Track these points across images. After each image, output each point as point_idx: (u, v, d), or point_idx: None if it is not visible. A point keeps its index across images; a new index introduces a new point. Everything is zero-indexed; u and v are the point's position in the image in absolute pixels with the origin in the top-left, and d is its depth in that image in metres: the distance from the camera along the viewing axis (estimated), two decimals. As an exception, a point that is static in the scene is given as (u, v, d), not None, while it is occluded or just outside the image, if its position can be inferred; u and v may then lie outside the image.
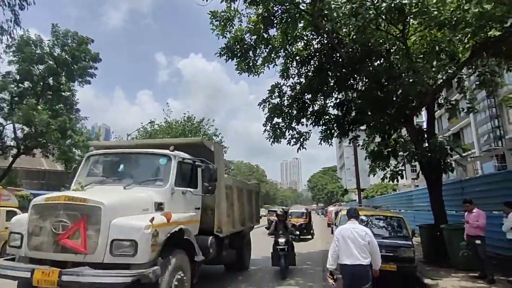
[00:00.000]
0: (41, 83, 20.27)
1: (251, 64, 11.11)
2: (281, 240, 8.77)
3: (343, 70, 10.26)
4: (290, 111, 11.46)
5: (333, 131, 11.80)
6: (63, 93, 20.50)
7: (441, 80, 9.51)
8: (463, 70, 10.12)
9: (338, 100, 11.88)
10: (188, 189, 6.03)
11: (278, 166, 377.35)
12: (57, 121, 19.37)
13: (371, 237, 4.81)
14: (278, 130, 11.25)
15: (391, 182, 10.96)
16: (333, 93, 11.69)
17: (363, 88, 11.04)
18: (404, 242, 7.78)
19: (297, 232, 14.61)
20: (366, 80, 10.50)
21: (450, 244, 8.71)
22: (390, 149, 10.52)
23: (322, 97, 11.79)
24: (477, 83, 10.40)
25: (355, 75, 10.40)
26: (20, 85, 20.56)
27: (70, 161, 30.57)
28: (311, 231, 19.10)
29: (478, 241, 7.34)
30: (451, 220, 10.02)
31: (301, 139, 11.39)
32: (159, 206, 5.20)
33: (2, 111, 20.42)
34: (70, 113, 21.38)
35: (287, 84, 11.80)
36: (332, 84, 11.32)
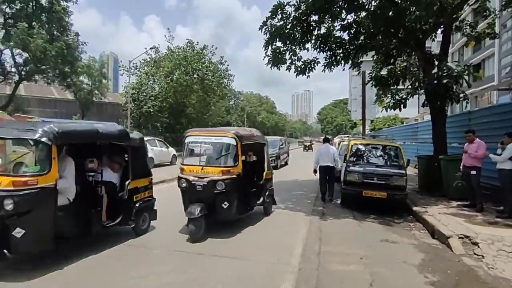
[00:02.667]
0: (32, 3, 19.05)
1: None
2: None
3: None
4: (293, 34, 10.56)
5: (338, 57, 10.98)
6: (54, 14, 19.32)
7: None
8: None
9: (346, 22, 10.83)
10: None
11: (289, 97, 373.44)
12: (54, 47, 18.66)
13: (335, 152, 9.01)
14: (279, 54, 10.52)
15: (399, 115, 10.61)
16: (341, 14, 10.60)
17: (375, 8, 9.95)
18: (397, 171, 7.72)
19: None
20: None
21: (446, 174, 8.62)
22: (396, 77, 9.84)
23: (330, 19, 10.75)
24: (504, 2, 9.15)
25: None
26: (13, 5, 19.42)
27: (78, 89, 30.47)
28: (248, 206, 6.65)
29: (473, 172, 7.19)
30: (453, 152, 9.78)
31: (306, 69, 10.71)
32: None
33: (-3, 35, 19.67)
34: (65, 36, 20.41)
35: (291, 3, 10.70)
36: (340, 3, 10.21)
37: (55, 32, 20.27)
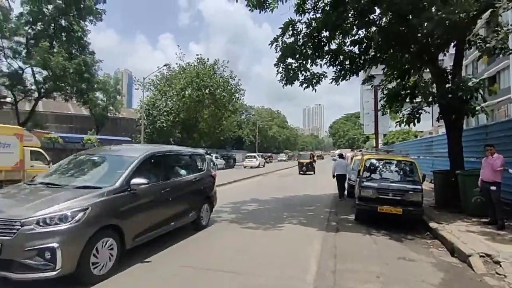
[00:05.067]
0: (53, 24, 19.99)
1: (262, -1, 10.12)
2: None
3: (362, 1, 9.18)
4: (304, 50, 10.68)
5: (347, 71, 11.02)
6: (74, 34, 20.21)
7: (475, 12, 8.33)
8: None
9: (357, 37, 10.91)
10: None
11: (300, 112, 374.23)
12: (72, 64, 19.42)
13: (347, 165, 12.75)
14: (291, 71, 10.62)
15: (412, 129, 10.51)
16: (352, 30, 10.70)
17: (385, 24, 10.02)
18: (413, 187, 7.57)
19: None
20: (389, 15, 9.47)
21: (464, 190, 8.41)
22: (408, 91, 9.77)
23: (340, 35, 10.86)
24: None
25: (376, 8, 9.34)
26: (34, 27, 20.40)
27: (94, 104, 31.29)
28: None
29: (493, 187, 6.99)
30: (470, 167, 9.56)
31: (313, 81, 10.77)
32: None
33: (20, 55, 20.59)
34: (83, 54, 21.28)
35: (302, 21, 10.87)
36: (351, 19, 10.32)
37: (73, 51, 21.14)
